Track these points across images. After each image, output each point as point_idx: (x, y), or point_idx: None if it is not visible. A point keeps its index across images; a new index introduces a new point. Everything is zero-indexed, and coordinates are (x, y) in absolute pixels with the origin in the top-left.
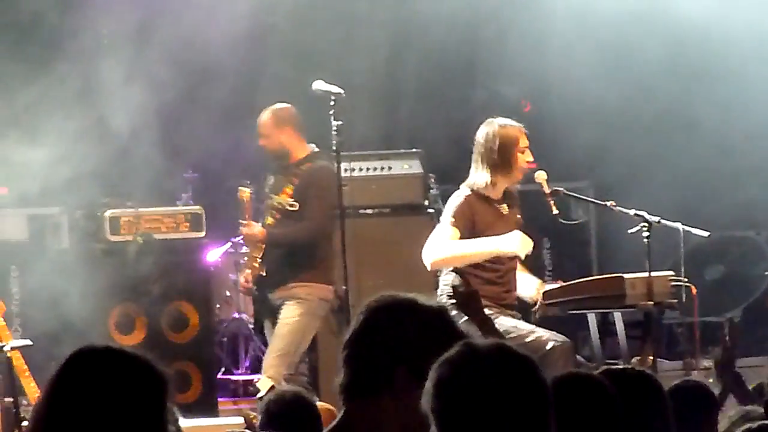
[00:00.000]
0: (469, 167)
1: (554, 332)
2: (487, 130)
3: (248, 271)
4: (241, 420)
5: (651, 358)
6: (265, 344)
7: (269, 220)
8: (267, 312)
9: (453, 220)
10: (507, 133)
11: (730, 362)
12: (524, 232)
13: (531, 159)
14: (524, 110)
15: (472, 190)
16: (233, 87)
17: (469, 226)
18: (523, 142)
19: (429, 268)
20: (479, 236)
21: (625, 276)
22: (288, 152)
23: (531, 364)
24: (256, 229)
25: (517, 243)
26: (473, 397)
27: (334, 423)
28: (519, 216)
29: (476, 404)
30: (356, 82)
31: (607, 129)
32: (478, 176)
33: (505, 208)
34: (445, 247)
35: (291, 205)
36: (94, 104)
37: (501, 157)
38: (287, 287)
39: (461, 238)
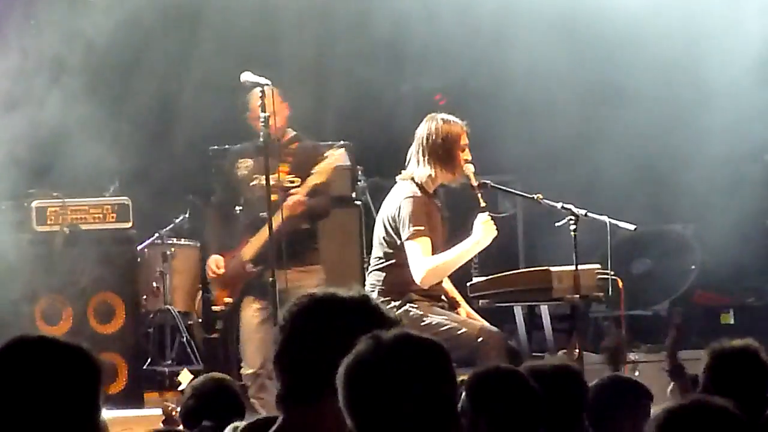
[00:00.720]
0: (398, 159)
1: (486, 324)
2: (430, 124)
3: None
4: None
5: (577, 351)
6: (192, 337)
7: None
8: (256, 293)
9: (421, 228)
10: (450, 129)
11: (674, 353)
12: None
13: (469, 158)
14: (439, 103)
15: (419, 187)
16: (161, 77)
17: (431, 227)
18: (464, 140)
19: (424, 287)
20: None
21: (552, 269)
22: (285, 131)
23: (438, 352)
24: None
25: (490, 230)
26: (380, 390)
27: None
28: (444, 211)
29: (384, 396)
30: (284, 73)
31: (533, 122)
32: (421, 170)
33: (438, 203)
34: (433, 265)
35: (291, 182)
36: (18, 93)
37: (444, 153)
38: (307, 268)
39: (429, 236)
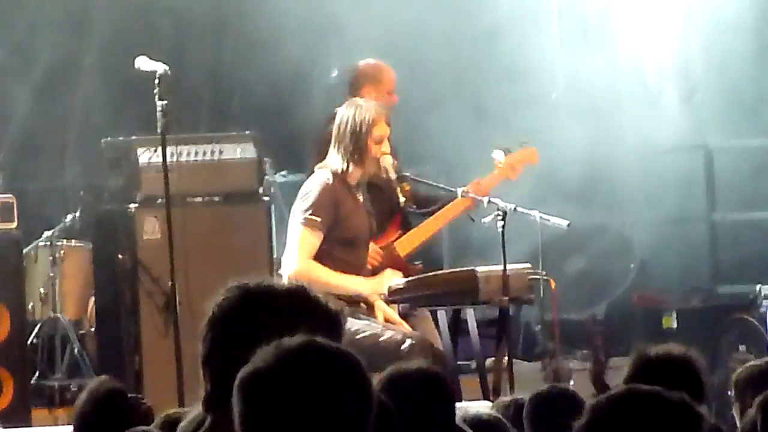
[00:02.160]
0: (306, 153)
1: (410, 329)
2: (345, 111)
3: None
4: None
5: (506, 358)
6: (85, 347)
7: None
8: None
9: (315, 216)
10: (362, 117)
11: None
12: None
13: (387, 150)
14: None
15: (332, 173)
16: (48, 65)
17: (332, 217)
18: (380, 130)
19: (286, 279)
20: (340, 226)
21: (478, 270)
22: None
23: (348, 362)
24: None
25: (381, 290)
26: (280, 403)
27: None
28: (369, 205)
29: (284, 410)
30: (184, 60)
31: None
32: (333, 160)
33: (360, 196)
34: (308, 270)
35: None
36: None
37: (353, 143)
38: None
39: (324, 232)
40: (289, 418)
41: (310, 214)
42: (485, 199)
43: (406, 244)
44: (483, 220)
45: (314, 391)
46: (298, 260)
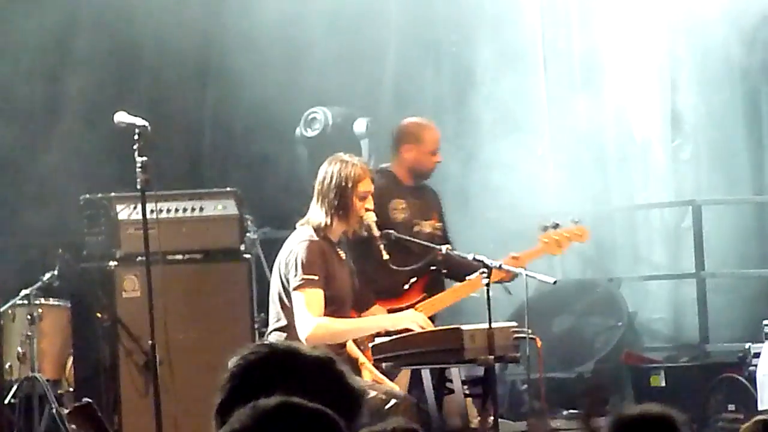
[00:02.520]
0: (293, 209)
1: (393, 388)
2: (328, 167)
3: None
4: None
5: (492, 418)
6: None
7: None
8: None
9: (314, 278)
10: (347, 173)
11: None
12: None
13: (371, 207)
14: None
15: (315, 231)
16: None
17: (325, 275)
18: (365, 186)
19: (306, 344)
20: (330, 284)
21: (463, 328)
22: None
23: (327, 424)
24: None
25: (407, 324)
26: None
27: None
28: (352, 264)
29: None
30: (163, 115)
31: None
32: (315, 215)
33: (342, 254)
34: (323, 325)
35: (438, 230)
36: None
37: (338, 199)
38: None
39: (323, 289)
40: None
41: (306, 275)
42: (470, 257)
43: (429, 307)
44: (467, 278)
45: None
46: (312, 321)
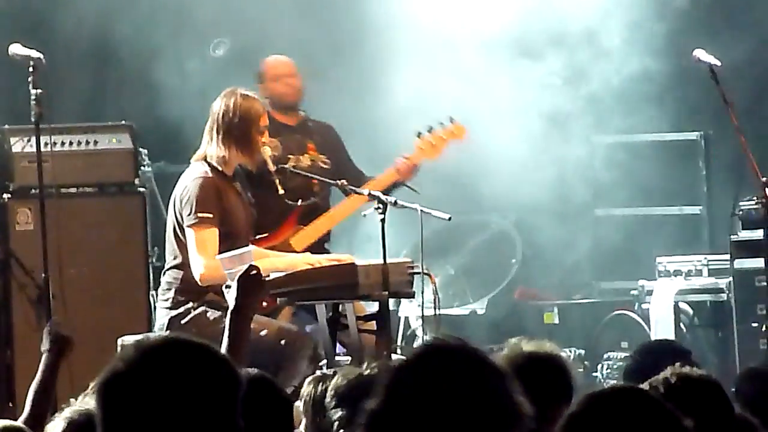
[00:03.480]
0: (188, 142)
1: (290, 324)
2: (227, 100)
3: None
4: None
5: (386, 353)
6: None
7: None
8: None
9: (208, 215)
10: (250, 106)
11: None
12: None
13: (268, 140)
14: None
15: (213, 168)
16: None
17: (220, 211)
18: (264, 121)
19: (201, 283)
20: (223, 219)
21: (358, 263)
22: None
23: (213, 355)
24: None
25: (303, 264)
26: (140, 402)
27: None
28: (249, 196)
29: (145, 410)
30: (60, 47)
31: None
32: (213, 150)
33: (238, 187)
34: (215, 266)
35: (324, 162)
36: None
37: (240, 133)
38: None
39: (218, 227)
40: (151, 418)
41: (200, 213)
42: (365, 192)
43: (304, 239)
44: (363, 213)
45: (175, 387)
46: (204, 262)
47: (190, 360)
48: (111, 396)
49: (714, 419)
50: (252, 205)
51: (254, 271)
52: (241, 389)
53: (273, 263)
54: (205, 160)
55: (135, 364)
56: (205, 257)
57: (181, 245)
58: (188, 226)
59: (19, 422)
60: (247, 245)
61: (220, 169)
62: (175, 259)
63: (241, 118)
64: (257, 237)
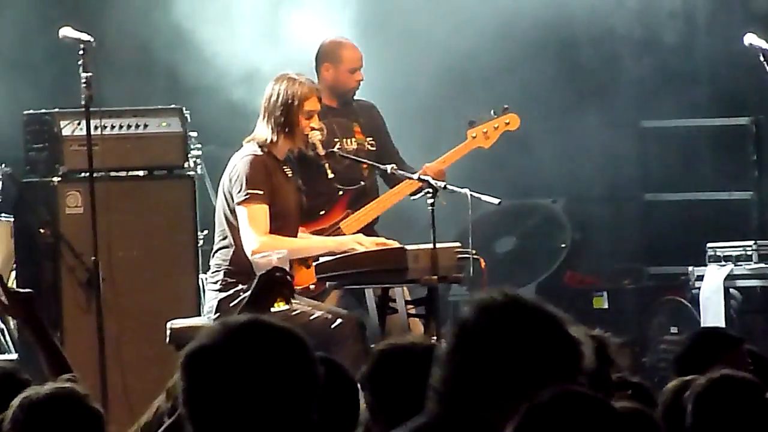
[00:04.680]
0: (239, 126)
1: (339, 308)
2: (275, 84)
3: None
4: None
5: (435, 338)
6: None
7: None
8: None
9: (258, 192)
10: (294, 91)
11: None
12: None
13: (317, 126)
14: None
15: (260, 147)
16: None
17: (270, 190)
18: (312, 105)
19: (252, 259)
20: (275, 200)
21: (407, 247)
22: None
23: (294, 340)
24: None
25: (353, 247)
26: (223, 380)
27: None
28: (300, 182)
29: (227, 388)
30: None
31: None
32: (261, 132)
33: (289, 171)
34: (271, 243)
35: (371, 145)
36: None
37: (284, 117)
38: None
39: (268, 203)
40: (232, 394)
41: (250, 189)
42: (415, 176)
43: (354, 224)
44: (412, 197)
45: (259, 367)
46: (257, 238)
47: (275, 342)
48: (194, 369)
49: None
50: (302, 190)
51: (278, 273)
52: (320, 378)
53: (324, 241)
54: (255, 142)
55: (220, 340)
56: (257, 233)
57: (231, 227)
58: (239, 204)
59: None
60: (296, 229)
61: (269, 150)
62: (224, 240)
63: (286, 103)
64: (308, 221)
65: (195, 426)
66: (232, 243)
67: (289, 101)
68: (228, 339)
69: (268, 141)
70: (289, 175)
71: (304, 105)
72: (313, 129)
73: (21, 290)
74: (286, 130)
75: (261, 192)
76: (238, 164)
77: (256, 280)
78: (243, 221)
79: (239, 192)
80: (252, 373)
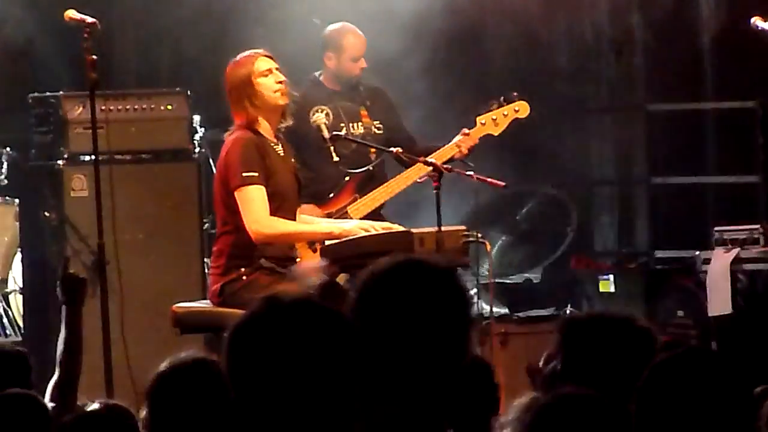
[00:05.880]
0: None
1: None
2: (225, 77)
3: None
4: None
5: None
6: (9, 306)
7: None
8: None
9: (251, 173)
10: (237, 64)
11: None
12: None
13: (281, 79)
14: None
15: (248, 128)
16: None
17: (264, 170)
18: (261, 65)
19: (256, 242)
20: (270, 179)
21: (413, 230)
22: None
23: (340, 318)
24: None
25: (358, 229)
26: (270, 355)
27: None
28: (293, 160)
29: (274, 363)
30: (114, 13)
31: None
32: (236, 120)
33: (281, 150)
34: (273, 225)
35: (377, 128)
36: None
37: (241, 92)
38: None
39: (265, 184)
40: (278, 371)
41: (245, 172)
42: (421, 158)
43: (361, 208)
44: (417, 179)
45: (304, 344)
46: (259, 221)
47: (318, 321)
48: (237, 344)
49: None
50: (298, 169)
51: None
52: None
53: (329, 227)
54: (240, 127)
55: (263, 317)
56: (258, 215)
57: (230, 211)
58: (236, 187)
59: (51, 385)
60: (295, 208)
61: (256, 131)
62: (225, 225)
63: (238, 82)
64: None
65: (241, 402)
66: (234, 227)
67: (239, 78)
68: (271, 314)
69: (246, 123)
70: (282, 154)
71: (254, 67)
72: (279, 83)
73: (78, 275)
74: (254, 102)
75: (256, 174)
76: (229, 149)
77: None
78: (242, 205)
79: (235, 176)
80: (293, 351)
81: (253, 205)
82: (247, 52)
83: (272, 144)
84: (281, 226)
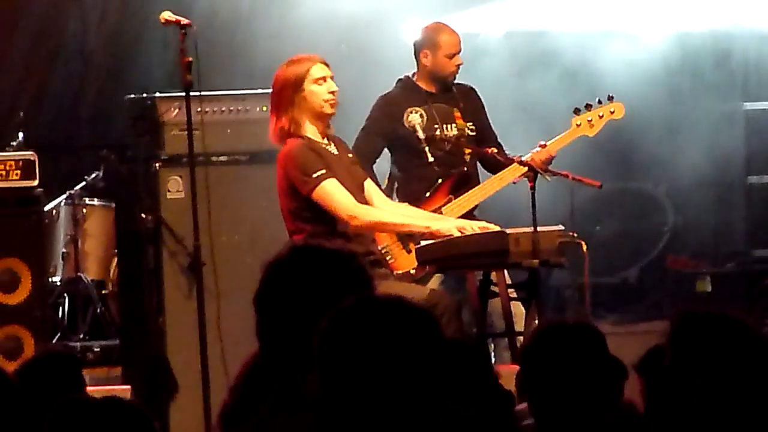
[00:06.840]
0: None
1: (435, 288)
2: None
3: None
4: None
5: (536, 322)
6: (107, 308)
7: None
8: None
9: (319, 172)
10: (285, 75)
11: None
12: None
13: (334, 89)
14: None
15: (293, 135)
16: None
17: (326, 167)
18: (317, 73)
19: (353, 230)
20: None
21: (509, 231)
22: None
23: (429, 319)
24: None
25: (452, 231)
26: (363, 351)
27: None
28: (351, 155)
29: (368, 356)
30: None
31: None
32: (280, 126)
33: (334, 149)
34: (367, 214)
35: (471, 130)
36: None
37: (294, 95)
38: None
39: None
40: (369, 365)
41: (313, 174)
42: (516, 159)
43: (456, 209)
44: (512, 181)
45: (396, 340)
46: (350, 209)
47: (410, 321)
48: (333, 338)
49: None
50: (354, 162)
51: None
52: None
53: (426, 219)
54: (288, 136)
55: (363, 314)
56: (346, 204)
57: (305, 219)
58: (310, 192)
59: None
60: (359, 201)
61: (302, 136)
62: (302, 233)
63: (281, 88)
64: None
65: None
66: (312, 233)
67: (291, 79)
68: (370, 312)
69: (290, 129)
70: (335, 153)
71: (309, 73)
72: (331, 92)
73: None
74: (300, 105)
75: (323, 171)
76: (287, 161)
77: None
78: (327, 201)
79: (304, 183)
80: (391, 345)
81: (336, 196)
82: (304, 55)
83: (324, 145)
84: (377, 213)
